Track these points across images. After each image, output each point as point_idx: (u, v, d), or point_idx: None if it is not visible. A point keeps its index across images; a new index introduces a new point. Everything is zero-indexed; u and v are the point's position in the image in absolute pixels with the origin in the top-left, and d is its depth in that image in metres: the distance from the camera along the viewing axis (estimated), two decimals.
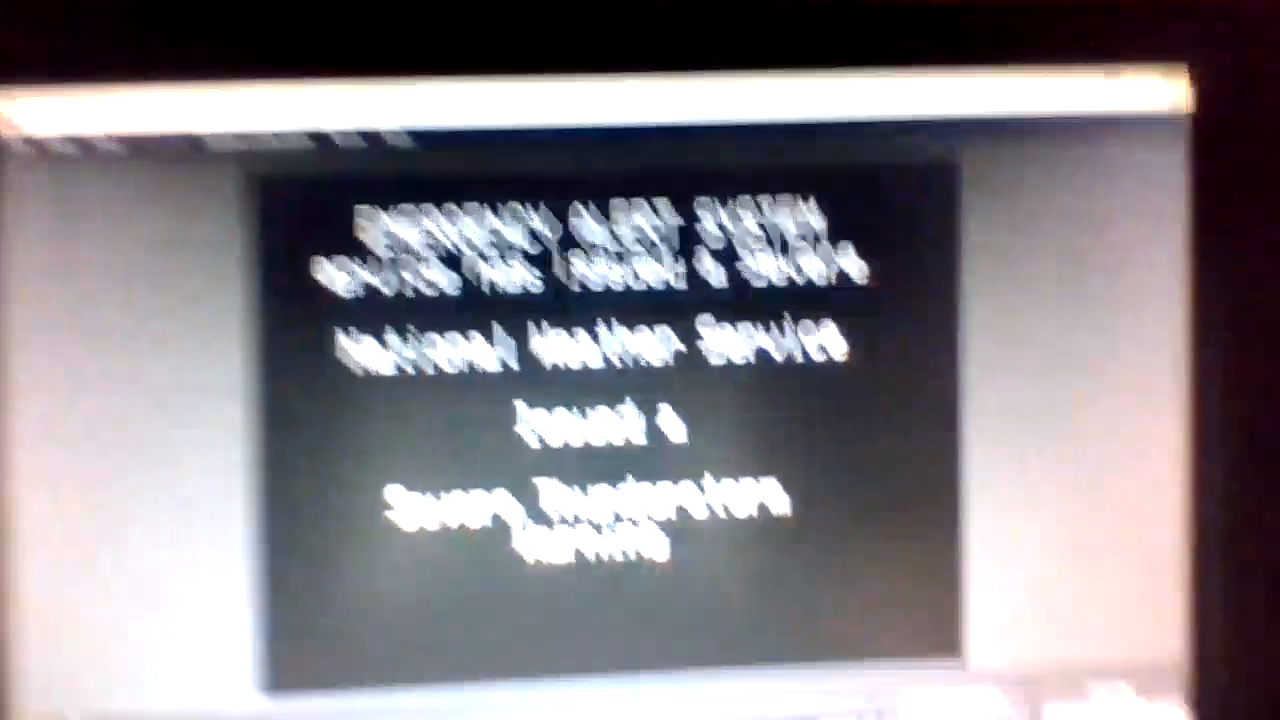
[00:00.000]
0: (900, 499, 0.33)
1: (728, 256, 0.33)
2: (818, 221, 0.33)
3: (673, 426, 0.33)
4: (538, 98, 0.32)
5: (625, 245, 0.32)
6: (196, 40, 0.31)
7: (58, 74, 0.31)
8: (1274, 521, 0.33)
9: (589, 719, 0.33)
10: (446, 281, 0.32)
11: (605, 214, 0.32)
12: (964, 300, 0.33)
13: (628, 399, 0.33)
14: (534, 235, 0.32)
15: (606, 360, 0.32)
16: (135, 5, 0.31)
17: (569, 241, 0.32)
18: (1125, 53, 0.33)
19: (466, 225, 0.32)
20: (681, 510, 0.33)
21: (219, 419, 0.32)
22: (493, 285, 0.32)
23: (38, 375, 0.31)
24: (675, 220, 0.32)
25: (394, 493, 0.32)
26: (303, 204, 0.32)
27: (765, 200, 0.33)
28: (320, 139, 0.32)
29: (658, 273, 0.33)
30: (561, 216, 0.32)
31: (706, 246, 0.33)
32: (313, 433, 0.32)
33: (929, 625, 0.33)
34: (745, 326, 0.33)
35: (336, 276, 0.32)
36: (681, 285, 0.33)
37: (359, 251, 0.32)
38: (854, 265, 0.33)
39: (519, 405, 0.32)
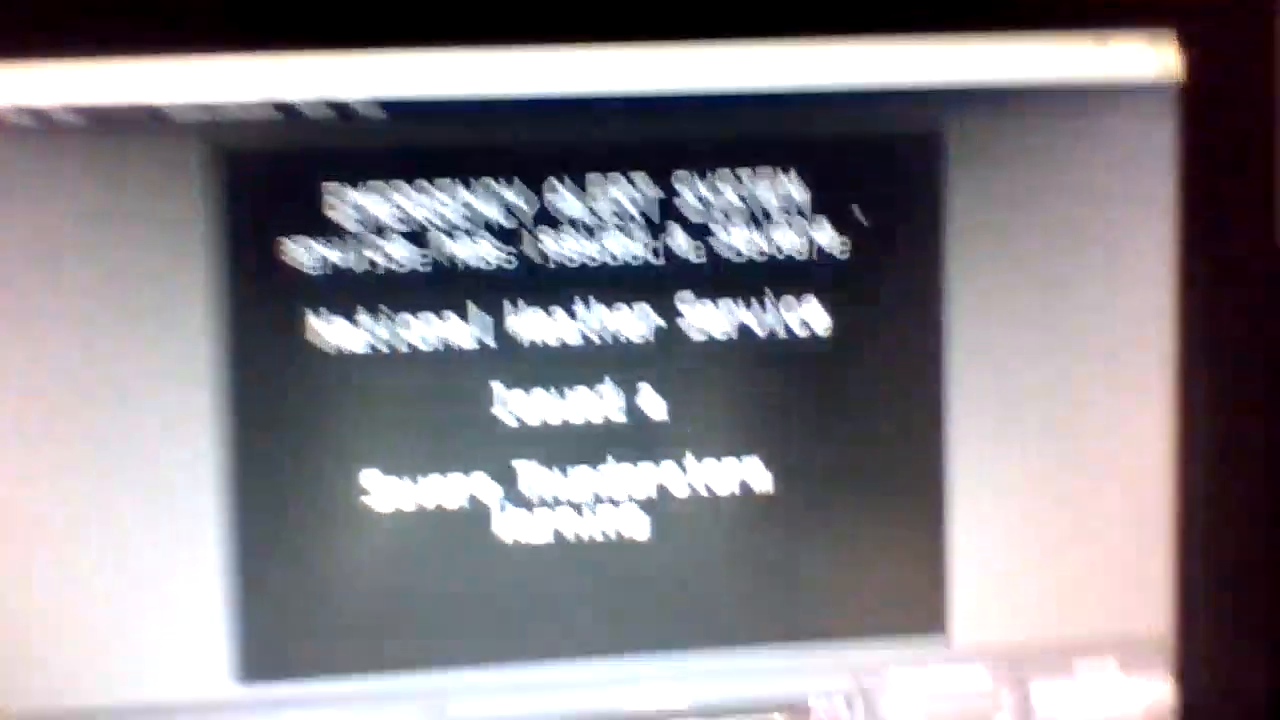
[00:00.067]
0: (883, 476, 0.33)
1: (707, 231, 0.32)
2: (799, 194, 0.32)
3: (653, 405, 0.32)
4: (512, 68, 0.31)
5: (602, 220, 0.32)
6: (158, 10, 0.30)
7: (13, 45, 0.30)
8: (1259, 496, 0.33)
9: (572, 702, 0.33)
10: (419, 259, 0.31)
11: (582, 188, 0.32)
12: (948, 274, 0.32)
13: (607, 378, 0.32)
14: (509, 210, 0.31)
15: (585, 338, 0.32)
16: None
17: (545, 217, 0.32)
18: (1113, 19, 0.32)
19: (439, 201, 0.31)
20: (663, 490, 0.32)
21: (187, 404, 0.31)
22: (466, 262, 0.32)
23: None
24: (654, 193, 0.32)
25: (370, 477, 0.32)
26: (270, 178, 0.31)
27: (745, 173, 0.32)
28: (287, 110, 0.31)
29: (636, 248, 0.32)
30: (537, 191, 0.31)
31: (686, 220, 0.32)
32: (285, 417, 0.31)
33: (913, 603, 0.33)
34: (725, 302, 0.32)
35: (306, 254, 0.31)
36: (660, 261, 0.32)
37: (328, 228, 0.31)
38: (836, 239, 0.32)
39: (496, 385, 0.32)
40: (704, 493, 0.32)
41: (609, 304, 0.32)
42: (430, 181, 0.31)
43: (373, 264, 0.31)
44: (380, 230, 0.31)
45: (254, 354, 0.31)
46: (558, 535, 0.32)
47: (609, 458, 0.32)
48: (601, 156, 0.31)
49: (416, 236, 0.31)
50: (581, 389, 0.32)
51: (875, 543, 0.33)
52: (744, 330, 0.32)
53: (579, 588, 0.32)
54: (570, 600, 0.32)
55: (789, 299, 0.32)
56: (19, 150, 0.30)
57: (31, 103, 0.30)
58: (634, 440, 0.32)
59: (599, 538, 0.32)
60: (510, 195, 0.31)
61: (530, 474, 0.32)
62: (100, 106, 0.30)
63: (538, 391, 0.32)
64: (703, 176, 0.32)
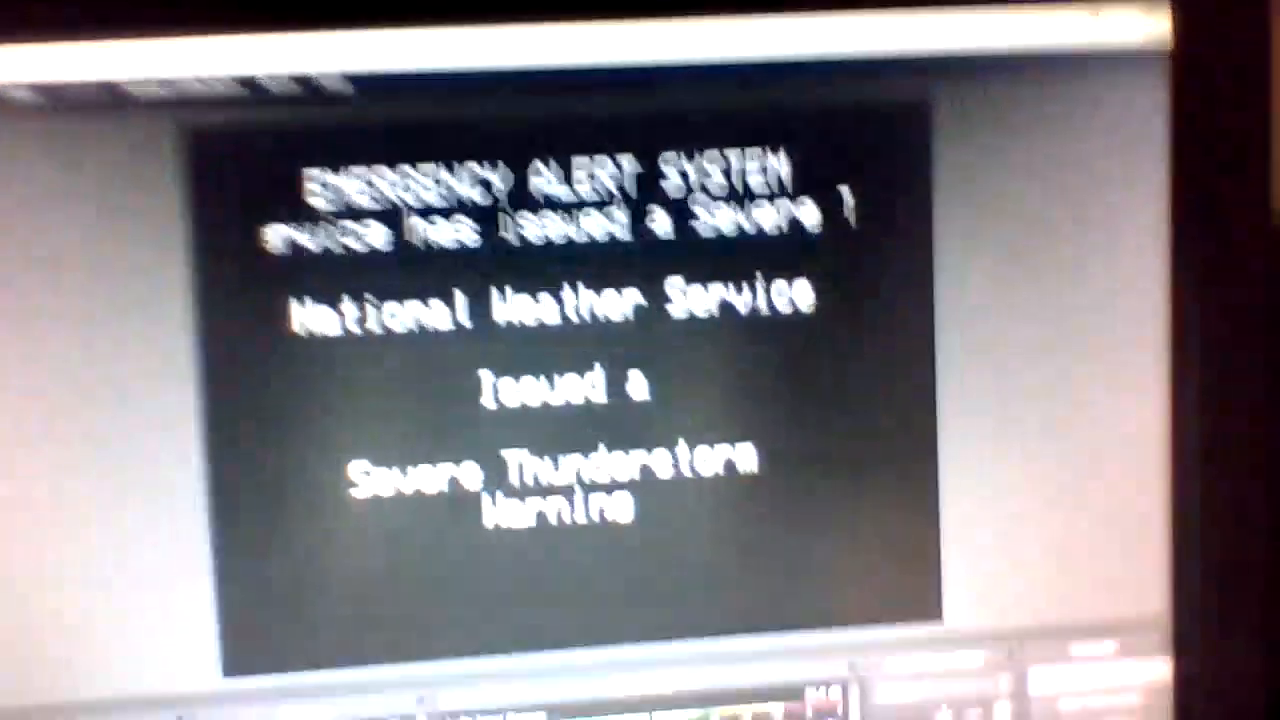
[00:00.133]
0: (874, 459, 0.32)
1: (693, 209, 0.31)
2: (784, 168, 0.31)
3: (643, 390, 0.32)
4: (489, 42, 0.30)
5: (587, 201, 0.31)
6: None
7: None
8: (1256, 476, 0.33)
9: (563, 691, 0.32)
10: (400, 243, 0.31)
11: (565, 168, 0.31)
12: (937, 248, 0.32)
13: (596, 364, 0.31)
14: (491, 193, 0.31)
15: (572, 323, 0.31)
16: None
17: (529, 200, 0.31)
18: None
19: (420, 184, 0.31)
20: (656, 477, 0.32)
21: (168, 398, 0.30)
22: (449, 246, 0.31)
23: None
24: (637, 170, 0.31)
25: (357, 467, 0.31)
26: (243, 161, 0.30)
27: (730, 148, 0.31)
28: (258, 90, 0.30)
29: (620, 229, 0.31)
30: (520, 172, 0.31)
31: (671, 199, 0.31)
32: (267, 408, 0.31)
33: (907, 588, 0.33)
34: (714, 283, 0.32)
35: (282, 239, 0.31)
36: (646, 241, 0.31)
37: (305, 213, 0.30)
38: (822, 213, 0.32)
39: (483, 373, 0.31)
40: (694, 479, 0.32)
41: (596, 288, 0.31)
42: (413, 165, 0.31)
43: (351, 249, 0.31)
44: (359, 214, 0.31)
45: (233, 344, 0.30)
46: (549, 524, 0.32)
47: (600, 445, 0.32)
48: (584, 134, 0.31)
49: (395, 219, 0.31)
50: (570, 375, 0.31)
51: (867, 527, 0.32)
52: (734, 310, 0.32)
53: (569, 576, 0.32)
54: (561, 588, 0.32)
55: (777, 276, 0.32)
56: None
57: None
58: (624, 426, 0.32)
59: (591, 527, 0.32)
60: (493, 178, 0.31)
61: (520, 462, 0.32)
62: (61, 84, 0.29)
63: (526, 378, 0.31)
64: (688, 152, 0.31)
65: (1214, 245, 0.32)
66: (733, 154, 0.31)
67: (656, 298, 0.31)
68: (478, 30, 0.30)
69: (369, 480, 0.31)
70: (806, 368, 0.32)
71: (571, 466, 0.32)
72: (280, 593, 0.31)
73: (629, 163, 0.31)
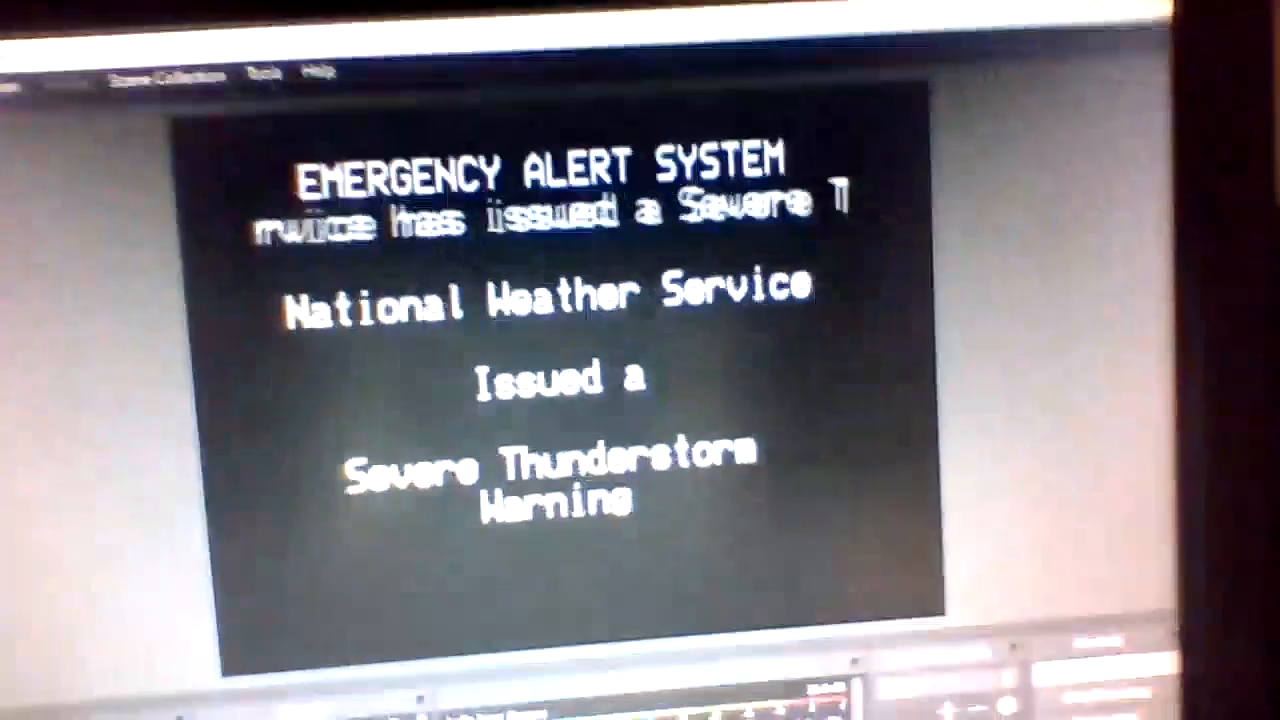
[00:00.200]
0: (875, 452, 0.32)
1: (689, 199, 0.31)
2: (781, 154, 0.31)
3: (641, 383, 0.31)
4: (480, 29, 0.30)
5: (582, 192, 0.31)
6: None
7: None
8: (1262, 468, 0.32)
9: (564, 688, 0.32)
10: (394, 237, 0.30)
11: (559, 159, 0.30)
12: (937, 230, 0.31)
13: (593, 358, 0.31)
14: (484, 185, 0.30)
15: (569, 317, 0.31)
16: None
17: (523, 192, 0.30)
18: None
19: (412, 175, 0.30)
20: (655, 472, 0.32)
21: (164, 401, 0.30)
22: (442, 240, 0.30)
23: None
24: (632, 159, 0.31)
25: (354, 464, 0.31)
26: (231, 153, 0.30)
27: (726, 133, 0.31)
28: (246, 81, 0.30)
29: (616, 221, 0.31)
30: (513, 163, 0.30)
31: (667, 189, 0.31)
32: (264, 407, 0.30)
33: (910, 583, 0.32)
34: (711, 274, 0.31)
35: (274, 233, 0.30)
36: (643, 233, 0.31)
37: (297, 207, 0.30)
38: (820, 201, 0.31)
39: (479, 368, 0.31)
40: (693, 474, 0.32)
41: (593, 281, 0.31)
42: (404, 157, 0.30)
43: (343, 242, 0.30)
44: (350, 207, 0.30)
45: (226, 341, 0.30)
46: (546, 519, 0.32)
47: (597, 439, 0.31)
48: (578, 123, 0.30)
49: (388, 212, 0.30)
50: (568, 369, 0.31)
51: (868, 521, 0.32)
52: (730, 302, 0.31)
53: (569, 572, 0.32)
54: (560, 585, 0.32)
55: (776, 266, 0.31)
56: None
57: None
58: (622, 420, 0.31)
59: (588, 521, 0.32)
60: (484, 167, 0.30)
61: (517, 457, 0.31)
62: (46, 77, 0.29)
63: (523, 373, 0.31)
64: (683, 140, 0.31)
65: (1218, 228, 0.32)
66: (729, 141, 0.31)
67: (654, 290, 0.31)
68: (474, 20, 0.30)
69: (366, 477, 0.31)
70: (806, 359, 0.32)
71: (569, 461, 0.31)
72: (278, 591, 0.31)
73: (624, 151, 0.31)
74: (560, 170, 0.30)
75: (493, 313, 0.31)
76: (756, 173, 0.31)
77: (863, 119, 0.31)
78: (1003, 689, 0.33)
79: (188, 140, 0.29)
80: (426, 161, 0.30)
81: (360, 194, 0.30)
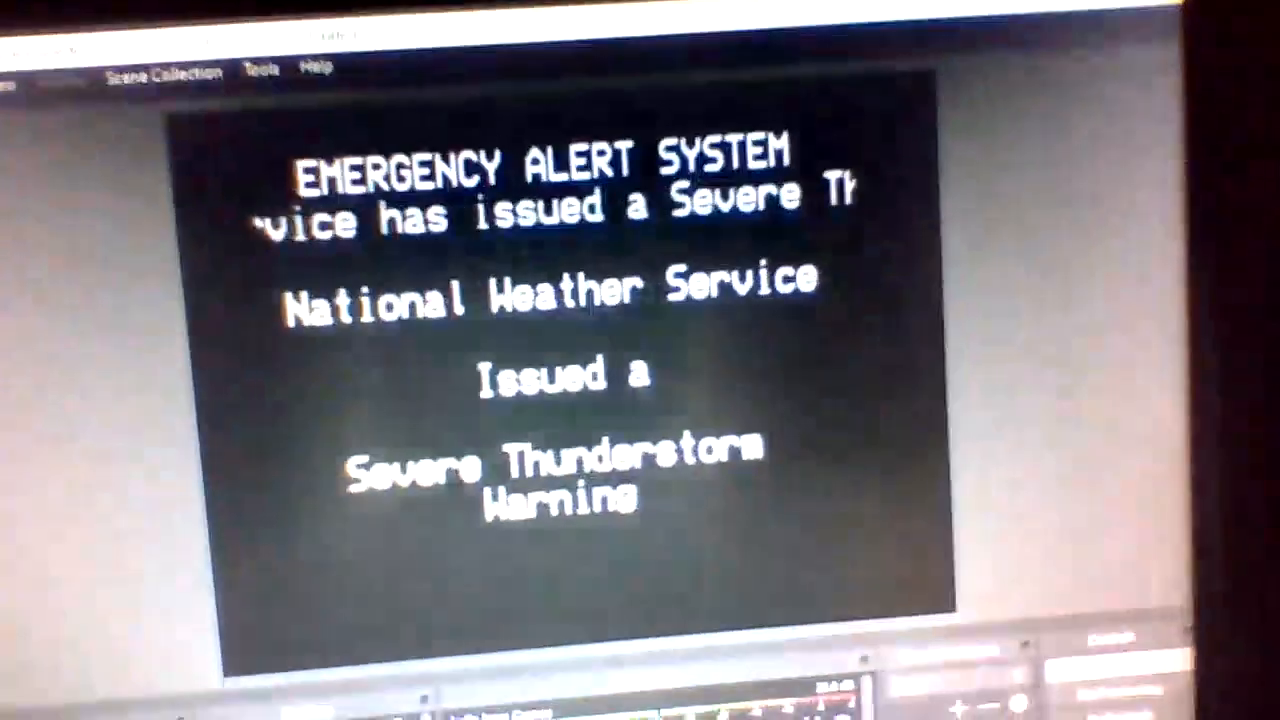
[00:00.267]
0: (884, 447, 0.32)
1: (692, 191, 0.30)
2: (786, 145, 0.30)
3: (646, 378, 0.31)
4: (480, 23, 0.30)
5: (584, 186, 0.30)
6: None
7: None
8: (1275, 463, 0.32)
9: (570, 687, 0.32)
10: (394, 232, 0.30)
11: (561, 153, 0.30)
12: (945, 222, 0.31)
13: (597, 354, 0.31)
14: (485, 179, 0.30)
15: (572, 312, 0.31)
16: None
17: (524, 186, 0.30)
18: None
19: (411, 170, 0.30)
20: (660, 468, 0.31)
21: (165, 405, 0.30)
22: (443, 235, 0.30)
23: None
24: (635, 151, 0.30)
25: (355, 463, 0.31)
26: (229, 150, 0.30)
27: (730, 124, 0.30)
28: (243, 77, 0.29)
29: (620, 215, 0.30)
30: (514, 157, 0.30)
31: (670, 182, 0.30)
32: (263, 404, 0.30)
33: (920, 579, 0.32)
34: (716, 268, 0.31)
35: (273, 230, 0.30)
36: (647, 227, 0.30)
37: (296, 203, 0.30)
38: (826, 192, 0.31)
39: (482, 365, 0.31)
40: (701, 472, 0.31)
41: (596, 276, 0.30)
42: (404, 152, 0.30)
43: (343, 238, 0.30)
44: (349, 202, 0.30)
45: (226, 339, 0.30)
46: (550, 517, 0.31)
47: (602, 436, 0.31)
48: (581, 116, 0.30)
49: (388, 207, 0.30)
50: (572, 365, 0.31)
51: (878, 517, 0.32)
52: (735, 296, 0.31)
53: (574, 571, 0.31)
54: (565, 584, 0.31)
55: (782, 259, 0.31)
56: None
57: None
58: (627, 416, 0.31)
59: (593, 519, 0.31)
60: (485, 162, 0.30)
61: (521, 454, 0.31)
62: (41, 75, 0.29)
63: (526, 370, 0.31)
64: (686, 132, 0.30)
65: (1234, 217, 0.31)
66: (733, 133, 0.30)
67: (658, 285, 0.31)
68: (473, 14, 0.30)
69: (368, 476, 0.31)
70: (813, 354, 0.31)
71: (573, 459, 0.31)
72: (280, 591, 0.31)
73: (625, 145, 0.30)
74: (561, 164, 0.30)
75: (495, 309, 0.31)
76: (761, 165, 0.31)
77: (869, 110, 0.30)
78: (1014, 686, 0.33)
79: (185, 137, 0.29)
80: (426, 156, 0.30)
81: (359, 190, 0.30)
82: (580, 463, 0.31)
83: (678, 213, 0.31)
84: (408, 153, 0.30)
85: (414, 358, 0.30)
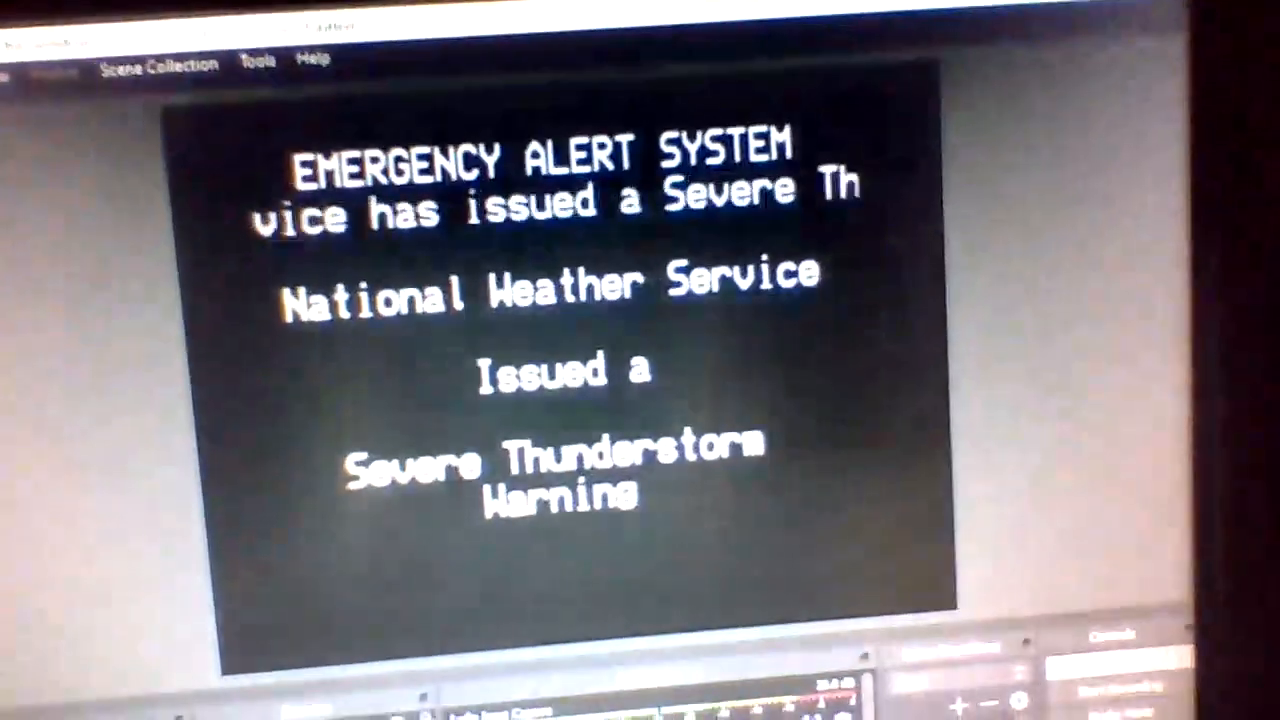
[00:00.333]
0: (886, 444, 0.31)
1: (691, 183, 0.30)
2: (788, 138, 0.30)
3: (647, 374, 0.31)
4: (475, 14, 0.29)
5: (584, 180, 0.30)
6: None
7: None
8: (1278, 457, 0.32)
9: (570, 685, 0.32)
10: (392, 227, 0.30)
11: (561, 146, 0.30)
12: (949, 222, 0.31)
13: (597, 350, 0.31)
14: (484, 173, 0.30)
15: (572, 308, 0.30)
16: None
17: (524, 180, 0.30)
18: None
19: (410, 164, 0.30)
20: (661, 464, 0.31)
21: (163, 399, 0.30)
22: (442, 230, 0.30)
23: None
24: (636, 144, 0.30)
25: (354, 460, 0.30)
26: (225, 143, 0.29)
27: (732, 117, 0.30)
28: (239, 69, 0.29)
29: (621, 209, 0.30)
30: (514, 151, 0.30)
31: (671, 174, 0.30)
32: (261, 401, 0.30)
33: (920, 576, 0.32)
34: (717, 262, 0.30)
35: (270, 224, 0.30)
36: (647, 221, 0.30)
37: (292, 196, 0.29)
38: (827, 185, 0.30)
39: (482, 361, 0.30)
40: (702, 469, 0.31)
41: (596, 271, 0.30)
42: (403, 146, 0.30)
43: (340, 233, 0.30)
44: (347, 196, 0.30)
45: (223, 336, 0.30)
46: (550, 514, 0.31)
47: (602, 432, 0.31)
48: (581, 109, 0.30)
49: (386, 201, 0.30)
50: (572, 361, 0.31)
51: (879, 514, 0.32)
52: (736, 291, 0.31)
53: (573, 568, 0.31)
54: (565, 581, 0.31)
55: (784, 253, 0.30)
56: None
57: None
58: (628, 412, 0.31)
59: (593, 515, 0.31)
60: (485, 155, 0.30)
61: (521, 451, 0.31)
62: (34, 67, 0.28)
63: (526, 366, 0.31)
64: (687, 125, 0.30)
65: (1239, 210, 0.31)
66: (734, 126, 0.30)
67: (658, 280, 0.30)
68: (472, 6, 0.29)
69: (367, 472, 0.31)
70: (815, 350, 0.31)
71: (574, 455, 0.31)
72: (278, 589, 0.31)
73: (626, 138, 0.30)
74: (561, 158, 0.30)
75: (495, 304, 0.30)
76: (763, 158, 0.30)
77: (872, 102, 0.30)
78: (1015, 683, 0.33)
79: (180, 130, 0.29)
80: (424, 150, 0.30)
81: (357, 183, 0.30)
82: (581, 459, 0.31)
83: (678, 207, 0.30)
84: (406, 146, 0.30)
85: (413, 354, 0.30)
